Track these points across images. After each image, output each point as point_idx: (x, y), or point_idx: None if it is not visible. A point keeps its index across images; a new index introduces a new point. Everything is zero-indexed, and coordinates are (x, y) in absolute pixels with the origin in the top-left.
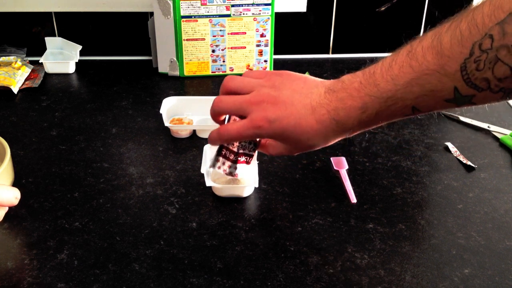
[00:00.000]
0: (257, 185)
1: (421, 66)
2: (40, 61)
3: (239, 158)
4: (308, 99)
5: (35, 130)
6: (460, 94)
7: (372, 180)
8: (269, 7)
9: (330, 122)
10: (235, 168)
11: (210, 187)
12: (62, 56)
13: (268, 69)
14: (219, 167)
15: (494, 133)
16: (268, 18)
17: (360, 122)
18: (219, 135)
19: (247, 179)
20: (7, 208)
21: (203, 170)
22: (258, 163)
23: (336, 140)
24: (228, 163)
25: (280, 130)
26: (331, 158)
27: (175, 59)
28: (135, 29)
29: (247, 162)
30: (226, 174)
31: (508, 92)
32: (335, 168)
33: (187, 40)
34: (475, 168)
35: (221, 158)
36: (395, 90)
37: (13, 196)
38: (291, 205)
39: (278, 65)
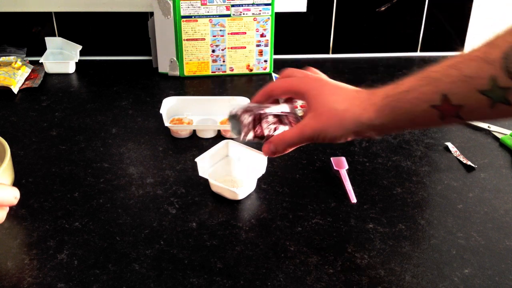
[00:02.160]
0: (249, 191)
1: (468, 53)
2: (40, 61)
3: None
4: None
5: (35, 130)
6: (497, 85)
7: (372, 180)
8: (269, 7)
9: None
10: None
11: (210, 187)
12: (62, 56)
13: (268, 69)
14: (244, 134)
15: (494, 133)
16: (268, 18)
17: (387, 96)
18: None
19: (242, 182)
20: (7, 209)
21: (201, 173)
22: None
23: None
24: (251, 134)
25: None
26: (331, 158)
27: (175, 59)
28: (135, 29)
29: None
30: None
31: None
32: (335, 168)
33: (187, 40)
34: (475, 168)
35: (246, 129)
36: (430, 71)
37: (13, 196)
38: (291, 205)
39: (278, 65)
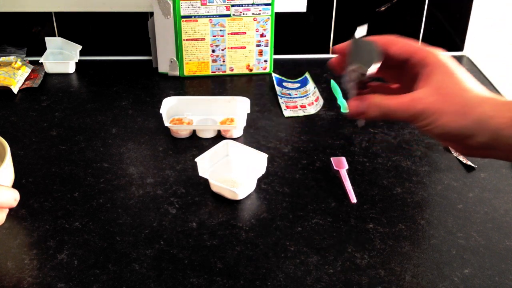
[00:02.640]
0: (248, 192)
1: None
2: (40, 61)
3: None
4: None
5: (35, 130)
6: None
7: (372, 180)
8: (269, 7)
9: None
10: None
11: (212, 187)
12: (62, 56)
13: (268, 69)
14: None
15: None
16: (268, 18)
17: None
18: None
19: (242, 182)
20: (7, 211)
21: (201, 173)
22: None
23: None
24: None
25: None
26: (331, 158)
27: (175, 59)
28: (135, 29)
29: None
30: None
31: None
32: (335, 168)
33: (187, 40)
34: (475, 168)
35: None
36: None
37: (13, 198)
38: (291, 205)
39: (278, 65)
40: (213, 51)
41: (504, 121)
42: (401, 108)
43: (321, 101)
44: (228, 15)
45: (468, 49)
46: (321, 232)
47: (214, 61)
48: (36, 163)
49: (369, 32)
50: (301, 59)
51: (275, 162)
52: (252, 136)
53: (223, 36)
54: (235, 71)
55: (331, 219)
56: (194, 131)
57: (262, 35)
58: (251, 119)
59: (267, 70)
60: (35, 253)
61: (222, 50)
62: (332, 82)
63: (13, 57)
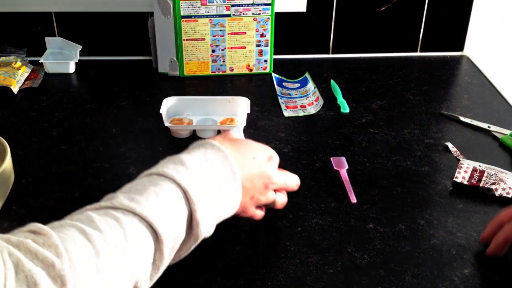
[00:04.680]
0: None
1: None
2: (40, 61)
3: None
4: None
5: (35, 130)
6: None
7: (372, 180)
8: (269, 7)
9: None
10: None
11: None
12: (62, 56)
13: (268, 69)
14: None
15: (494, 133)
16: (268, 18)
17: None
18: None
19: None
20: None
21: None
22: None
23: None
24: None
25: None
26: (331, 158)
27: (175, 59)
28: (135, 29)
29: None
30: None
31: None
32: (335, 168)
33: (187, 40)
34: None
35: None
36: None
37: (295, 183)
38: (291, 205)
39: (278, 65)
40: (213, 51)
41: None
42: None
43: (321, 101)
44: (228, 15)
45: (468, 49)
46: (321, 232)
47: (214, 61)
48: (36, 163)
49: (369, 32)
50: (301, 59)
51: None
52: (252, 136)
53: (223, 36)
54: (235, 71)
55: (331, 219)
56: (194, 131)
57: (262, 35)
58: (251, 119)
59: (267, 70)
60: None
61: (222, 50)
62: (332, 82)
63: (13, 57)
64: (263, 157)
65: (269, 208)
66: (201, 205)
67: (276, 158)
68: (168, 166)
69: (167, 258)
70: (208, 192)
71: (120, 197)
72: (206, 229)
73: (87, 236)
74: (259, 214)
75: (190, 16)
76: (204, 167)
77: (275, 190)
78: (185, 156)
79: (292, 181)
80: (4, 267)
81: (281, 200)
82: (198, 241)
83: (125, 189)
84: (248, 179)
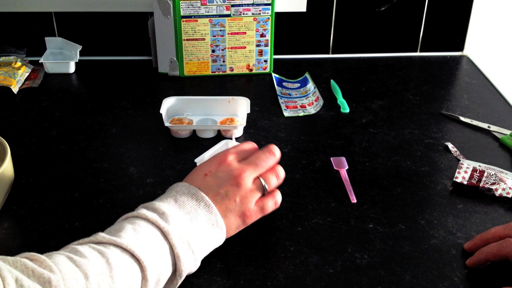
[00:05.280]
0: None
1: None
2: (40, 61)
3: None
4: None
5: (35, 130)
6: None
7: (372, 180)
8: (269, 7)
9: None
10: None
11: None
12: (62, 56)
13: (268, 69)
14: None
15: (494, 133)
16: (268, 18)
17: None
18: None
19: None
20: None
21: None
22: None
23: None
24: None
25: None
26: (331, 158)
27: (175, 59)
28: (135, 29)
29: None
30: None
31: None
32: (335, 168)
33: (187, 40)
34: None
35: None
36: None
37: (252, 145)
38: (291, 205)
39: (278, 65)
40: (213, 51)
41: None
42: None
43: (321, 101)
44: (228, 15)
45: (468, 49)
46: (321, 232)
47: (214, 61)
48: (36, 163)
49: (369, 32)
50: (301, 59)
51: None
52: (252, 136)
53: (223, 36)
54: (235, 71)
55: (331, 219)
56: (194, 131)
57: (262, 35)
58: (251, 119)
59: (267, 70)
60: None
61: (222, 50)
62: (332, 82)
63: (13, 57)
64: (213, 167)
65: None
66: (179, 240)
67: (230, 157)
68: (141, 209)
69: None
70: (185, 227)
71: (100, 234)
72: (188, 264)
73: (75, 262)
74: (270, 204)
75: (190, 16)
76: (177, 206)
77: (262, 177)
78: (157, 203)
79: (247, 145)
80: (4, 282)
81: (276, 177)
82: (182, 277)
83: (105, 230)
84: (221, 197)
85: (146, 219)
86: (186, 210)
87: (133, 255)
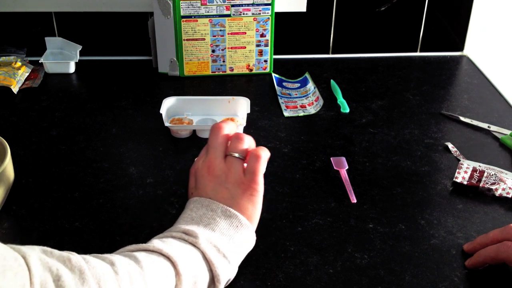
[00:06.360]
0: None
1: None
2: (40, 61)
3: None
4: None
5: (35, 130)
6: None
7: (372, 180)
8: (269, 7)
9: None
10: None
11: None
12: (62, 56)
13: (268, 69)
14: None
15: (494, 133)
16: (268, 18)
17: None
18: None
19: None
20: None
21: None
22: None
23: None
24: None
25: None
26: (331, 158)
27: (175, 59)
28: (135, 29)
29: None
30: None
31: None
32: (335, 168)
33: (187, 40)
34: None
35: None
36: None
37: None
38: (291, 205)
39: (278, 65)
40: (213, 51)
41: None
42: None
43: (321, 101)
44: (228, 15)
45: (468, 49)
46: (321, 232)
47: (214, 61)
48: (36, 163)
49: (369, 32)
50: (301, 59)
51: (275, 162)
52: (252, 136)
53: (223, 36)
54: (235, 71)
55: (331, 219)
56: (194, 131)
57: (262, 35)
58: (251, 119)
59: (267, 70)
60: None
61: (222, 50)
62: (332, 82)
63: (13, 57)
64: (192, 183)
65: (269, 208)
66: (207, 245)
67: (196, 165)
68: (163, 234)
69: None
70: (211, 236)
71: (127, 247)
72: (222, 268)
73: (104, 259)
74: (253, 160)
75: (190, 16)
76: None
77: (227, 151)
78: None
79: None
80: (29, 259)
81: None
82: (222, 284)
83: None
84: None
85: (171, 236)
86: (206, 222)
87: (161, 254)
